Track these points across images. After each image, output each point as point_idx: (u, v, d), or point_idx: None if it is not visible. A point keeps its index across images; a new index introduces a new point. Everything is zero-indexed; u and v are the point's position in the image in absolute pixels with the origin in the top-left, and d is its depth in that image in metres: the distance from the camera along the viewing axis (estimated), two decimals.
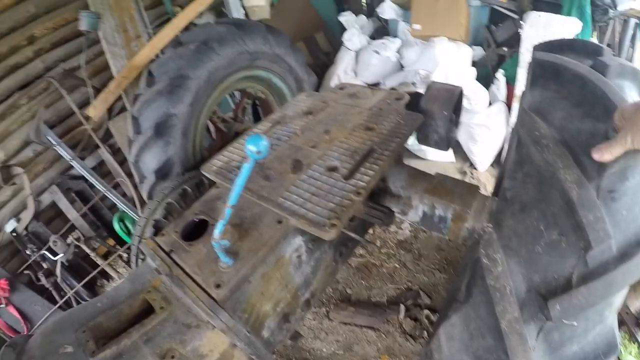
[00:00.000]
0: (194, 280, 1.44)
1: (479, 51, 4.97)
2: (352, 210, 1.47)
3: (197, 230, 1.66)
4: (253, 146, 1.00)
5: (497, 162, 4.49)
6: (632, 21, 4.25)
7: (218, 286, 1.39)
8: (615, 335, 1.31)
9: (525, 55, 3.86)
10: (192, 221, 1.70)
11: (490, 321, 1.27)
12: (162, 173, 2.44)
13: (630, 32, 4.36)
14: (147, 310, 1.49)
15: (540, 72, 1.51)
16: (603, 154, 1.13)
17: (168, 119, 2.35)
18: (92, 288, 3.92)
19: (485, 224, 1.64)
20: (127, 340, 1.37)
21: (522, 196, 1.33)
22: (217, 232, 1.29)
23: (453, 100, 2.06)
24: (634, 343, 2.68)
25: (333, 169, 1.68)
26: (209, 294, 1.39)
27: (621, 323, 2.66)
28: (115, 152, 4.08)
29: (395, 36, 5.35)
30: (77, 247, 3.68)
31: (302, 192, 1.58)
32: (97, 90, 3.45)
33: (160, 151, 2.39)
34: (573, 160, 1.21)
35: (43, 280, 3.63)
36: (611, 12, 4.10)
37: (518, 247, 1.28)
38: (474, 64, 4.79)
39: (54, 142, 3.70)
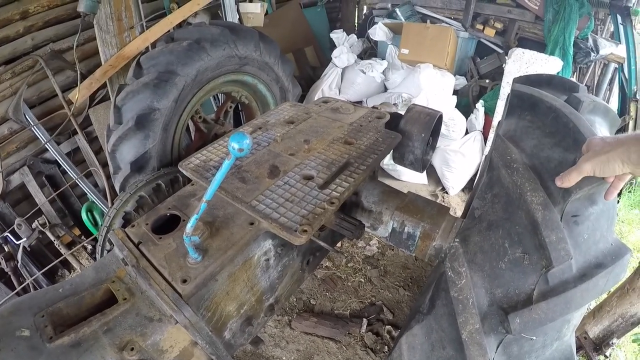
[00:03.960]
0: (160, 274, 1.44)
1: (462, 81, 5.14)
2: (323, 218, 1.51)
3: (168, 225, 1.67)
4: (236, 143, 1.03)
5: (468, 187, 4.61)
6: (612, 65, 4.47)
7: (184, 281, 1.40)
8: (573, 352, 1.39)
9: (506, 88, 4.00)
10: (164, 215, 1.71)
11: (451, 332, 1.33)
12: (138, 165, 2.42)
13: (609, 75, 4.58)
14: (110, 301, 1.49)
15: (518, 102, 1.59)
16: (564, 182, 1.21)
17: (151, 112, 2.35)
18: (53, 277, 3.83)
19: (453, 240, 1.70)
20: (86, 329, 1.36)
21: (489, 215, 1.40)
22: (189, 226, 1.30)
23: (432, 123, 2.12)
24: None
25: (309, 178, 1.72)
26: (174, 288, 1.39)
27: (579, 348, 2.75)
28: (92, 140, 4.03)
29: (382, 58, 5.48)
30: (42, 233, 3.58)
31: (276, 197, 1.61)
32: (83, 76, 3.42)
33: (138, 143, 2.38)
34: (540, 185, 1.27)
35: (2, 264, 3.52)
36: (592, 56, 4.31)
37: (482, 262, 1.34)
38: (456, 92, 4.95)
39: (31, 122, 3.64)
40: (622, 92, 4.28)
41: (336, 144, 1.98)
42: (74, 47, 3.33)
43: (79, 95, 3.41)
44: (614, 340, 2.74)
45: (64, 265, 3.85)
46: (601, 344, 2.78)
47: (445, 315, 1.36)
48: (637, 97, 4.06)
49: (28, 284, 3.44)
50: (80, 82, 3.37)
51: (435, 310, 1.39)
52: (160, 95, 2.37)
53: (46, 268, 3.51)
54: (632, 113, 4.08)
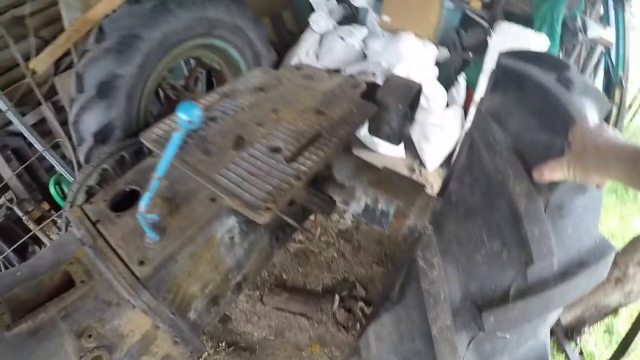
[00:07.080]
0: (117, 255, 1.37)
1: (445, 52, 5.01)
2: (290, 195, 1.42)
3: (128, 201, 1.57)
4: (185, 115, 0.94)
5: (446, 163, 4.57)
6: (599, 49, 4.39)
7: (142, 263, 1.33)
8: (547, 351, 1.32)
9: (490, 63, 3.93)
10: (123, 191, 1.62)
11: (421, 325, 1.25)
12: (102, 136, 2.32)
13: (595, 59, 4.50)
14: (69, 284, 1.40)
15: (503, 77, 1.47)
16: (543, 176, 1.11)
17: (113, 80, 2.23)
18: (24, 254, 3.70)
19: (426, 224, 1.61)
20: (44, 315, 1.28)
21: (467, 201, 1.31)
22: (142, 204, 1.22)
23: (410, 95, 2.03)
24: (562, 353, 2.81)
25: (276, 150, 1.61)
26: (131, 271, 1.33)
27: (550, 334, 2.78)
28: (59, 110, 3.84)
29: (363, 25, 5.32)
30: (9, 209, 3.46)
31: (240, 170, 1.51)
32: (46, 43, 3.23)
33: (101, 113, 2.27)
34: (524, 171, 1.18)
35: None
36: (580, 37, 4.22)
37: (457, 253, 1.25)
38: (438, 64, 4.83)
39: None
40: (607, 77, 4.21)
41: (307, 113, 1.86)
42: (33, 12, 3.13)
43: (42, 63, 3.22)
44: (586, 329, 2.78)
45: (35, 241, 3.72)
46: (573, 331, 2.82)
47: (416, 307, 1.27)
48: (623, 83, 4.00)
49: None
50: (43, 49, 3.19)
51: (405, 300, 1.31)
52: (123, 61, 2.25)
53: (15, 245, 3.39)
54: (617, 99, 4.03)
